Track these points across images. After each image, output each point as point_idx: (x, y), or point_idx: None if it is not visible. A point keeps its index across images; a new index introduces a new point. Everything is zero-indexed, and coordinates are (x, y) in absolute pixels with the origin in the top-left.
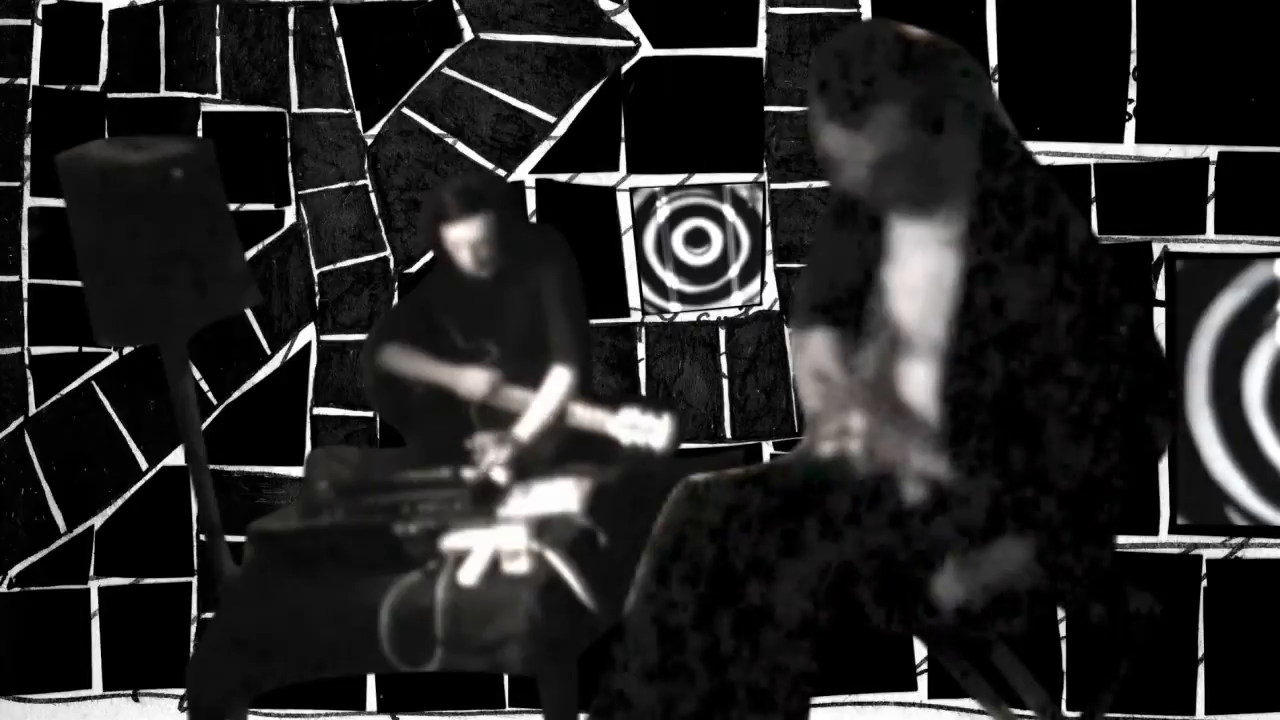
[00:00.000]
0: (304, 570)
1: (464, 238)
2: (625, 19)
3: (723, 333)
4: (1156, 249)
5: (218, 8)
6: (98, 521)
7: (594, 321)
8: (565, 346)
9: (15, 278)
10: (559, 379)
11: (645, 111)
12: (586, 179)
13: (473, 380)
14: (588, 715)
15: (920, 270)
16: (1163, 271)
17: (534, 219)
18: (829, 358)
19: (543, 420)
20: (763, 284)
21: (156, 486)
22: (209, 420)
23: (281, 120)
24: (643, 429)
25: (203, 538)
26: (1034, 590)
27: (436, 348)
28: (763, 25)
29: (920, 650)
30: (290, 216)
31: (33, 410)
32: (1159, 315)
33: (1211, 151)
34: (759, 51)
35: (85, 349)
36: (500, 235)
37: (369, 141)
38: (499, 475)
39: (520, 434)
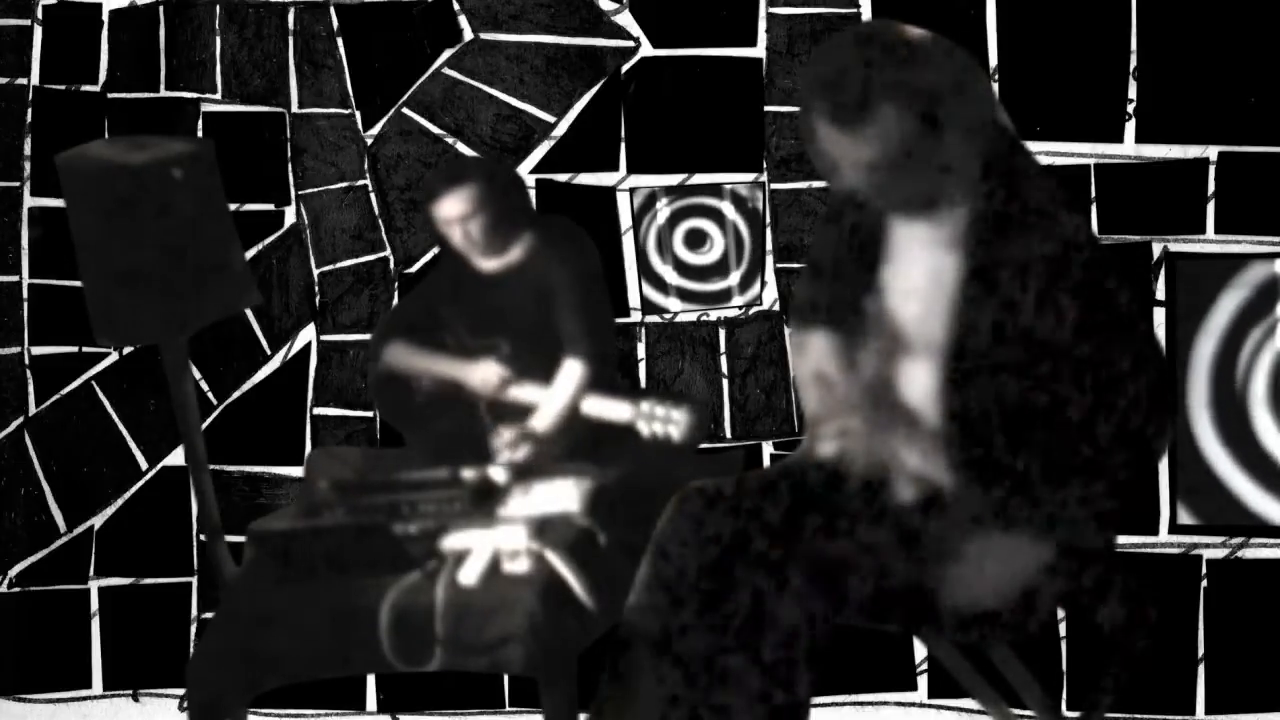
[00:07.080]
0: (304, 570)
1: (451, 214)
2: (625, 19)
3: (723, 333)
4: (1156, 249)
5: (218, 8)
6: (98, 521)
7: None
8: (577, 339)
9: (15, 278)
10: (571, 372)
11: (645, 111)
12: (586, 179)
13: (484, 373)
14: (588, 715)
15: (920, 270)
16: (1163, 271)
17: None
18: (828, 359)
19: (556, 413)
20: (763, 284)
21: (156, 486)
22: (209, 420)
23: (281, 120)
24: (661, 419)
25: (203, 538)
26: (1033, 592)
27: (443, 344)
28: (763, 25)
29: (920, 650)
30: (290, 216)
31: (33, 410)
32: (1159, 315)
33: (1211, 151)
34: (759, 51)
35: (85, 349)
36: (492, 213)
37: (369, 141)
38: (498, 475)
39: (536, 427)
